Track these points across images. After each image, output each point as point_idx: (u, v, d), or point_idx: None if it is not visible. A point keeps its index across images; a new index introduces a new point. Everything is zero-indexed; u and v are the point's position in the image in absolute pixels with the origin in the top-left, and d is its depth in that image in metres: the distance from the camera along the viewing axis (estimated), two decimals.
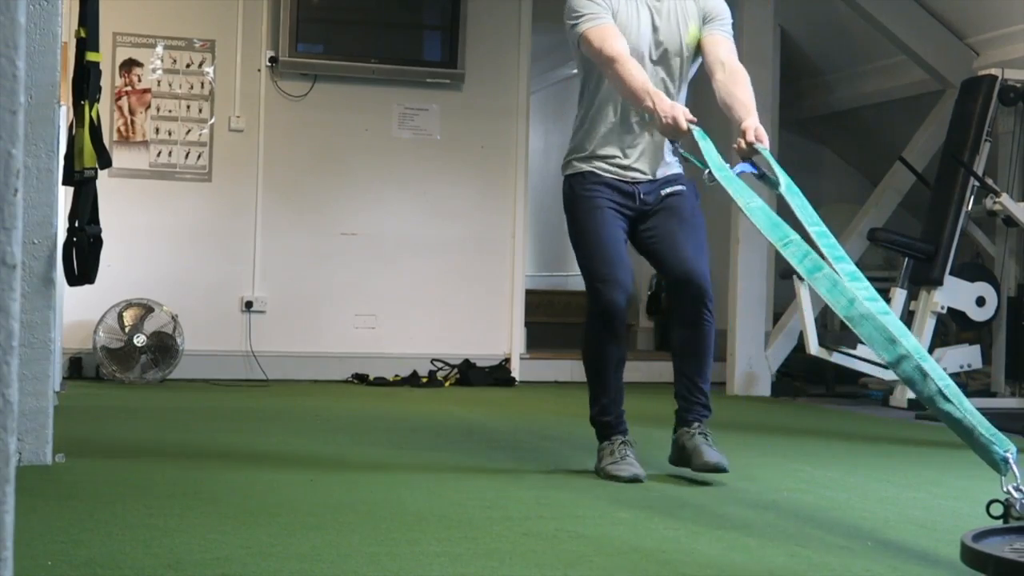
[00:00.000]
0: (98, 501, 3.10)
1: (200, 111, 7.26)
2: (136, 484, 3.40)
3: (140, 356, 6.74)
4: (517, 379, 7.49)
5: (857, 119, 8.69)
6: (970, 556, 1.95)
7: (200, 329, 7.04)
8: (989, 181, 6.53)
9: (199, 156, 7.26)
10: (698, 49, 3.74)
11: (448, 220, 7.60)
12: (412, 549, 2.62)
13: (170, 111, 7.21)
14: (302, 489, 3.40)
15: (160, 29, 7.22)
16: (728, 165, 3.32)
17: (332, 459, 4.03)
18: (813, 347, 6.51)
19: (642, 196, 3.76)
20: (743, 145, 3.47)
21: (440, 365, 7.38)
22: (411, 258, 7.56)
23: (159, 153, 7.20)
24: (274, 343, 7.29)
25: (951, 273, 6.55)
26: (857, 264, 8.69)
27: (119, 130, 7.14)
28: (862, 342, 6.74)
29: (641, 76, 3.54)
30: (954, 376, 6.86)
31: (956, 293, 6.57)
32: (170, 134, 7.22)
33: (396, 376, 7.29)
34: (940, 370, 2.69)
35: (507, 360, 7.57)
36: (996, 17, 6.93)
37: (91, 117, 3.88)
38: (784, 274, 6.82)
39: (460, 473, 3.77)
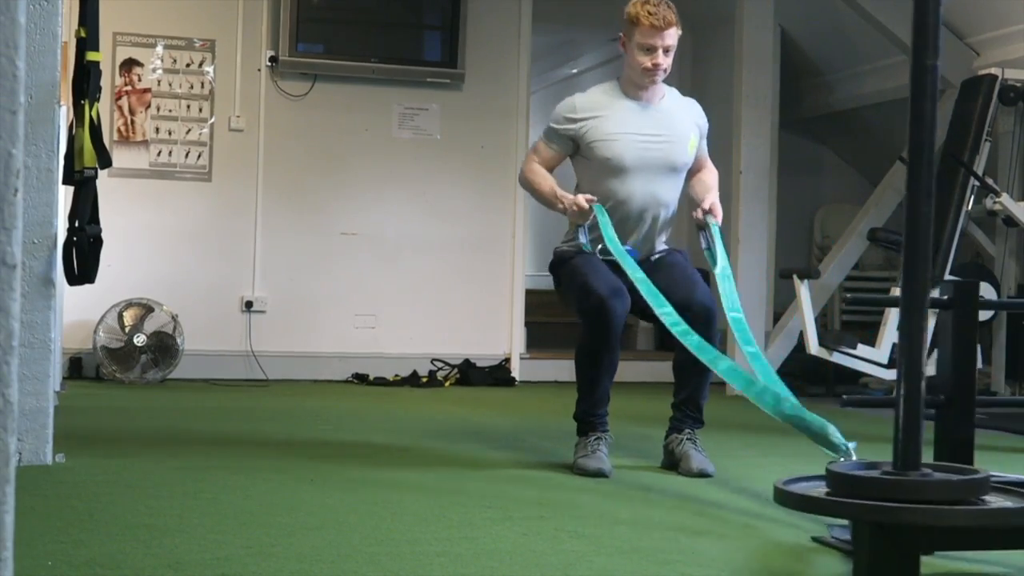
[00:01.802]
0: (98, 501, 3.10)
1: (200, 111, 7.26)
2: (136, 484, 3.41)
3: (140, 356, 6.74)
4: (517, 379, 7.49)
5: (857, 119, 8.69)
6: (776, 495, 2.30)
7: (200, 329, 7.04)
8: (989, 181, 6.52)
9: (199, 156, 7.26)
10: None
11: (448, 220, 7.60)
12: (412, 549, 2.62)
13: (170, 111, 7.21)
14: (302, 489, 3.40)
15: (160, 29, 7.22)
16: (620, 243, 3.81)
17: (332, 459, 4.03)
18: (813, 347, 6.51)
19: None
20: (698, 215, 3.93)
21: (440, 365, 7.38)
22: (411, 258, 7.55)
23: (159, 153, 7.20)
24: (274, 343, 7.29)
25: (951, 273, 6.54)
26: (857, 265, 8.58)
27: (119, 130, 7.14)
28: (862, 342, 6.71)
29: (548, 183, 4.00)
30: None
31: None
32: (170, 134, 7.22)
33: (396, 376, 7.28)
34: (788, 391, 3.32)
35: (507, 360, 7.57)
36: (996, 17, 6.93)
37: (91, 117, 3.88)
38: (784, 274, 6.82)
39: (460, 473, 3.78)
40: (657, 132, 3.97)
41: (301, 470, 3.74)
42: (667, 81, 4.08)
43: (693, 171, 4.12)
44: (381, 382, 7.19)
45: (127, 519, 2.87)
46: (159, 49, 7.20)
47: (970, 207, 6.61)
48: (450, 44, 7.52)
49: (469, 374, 7.29)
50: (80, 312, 6.75)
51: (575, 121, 3.99)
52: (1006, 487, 2.30)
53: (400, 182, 7.55)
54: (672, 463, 3.90)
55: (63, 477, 3.44)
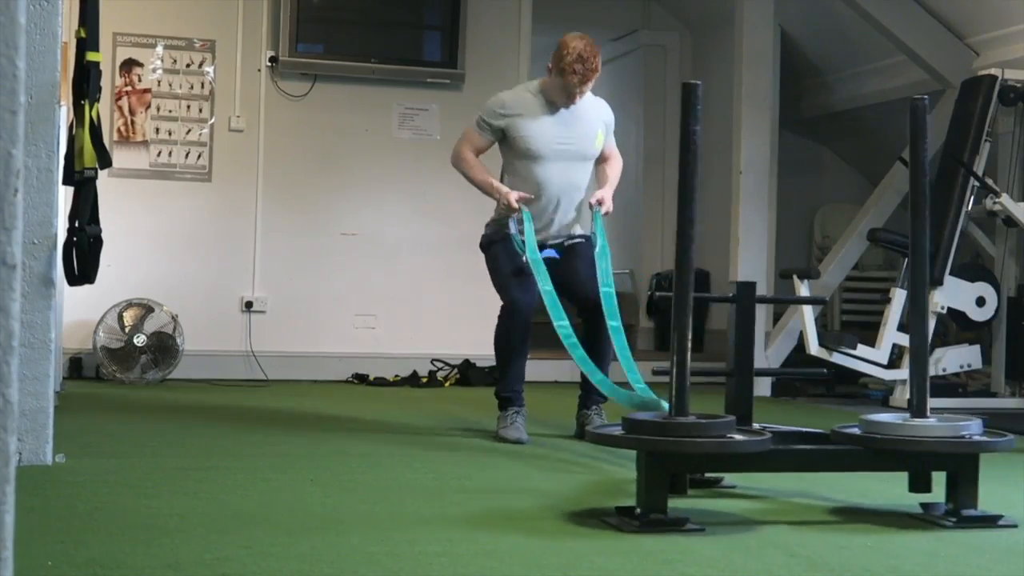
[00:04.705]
0: (98, 501, 3.10)
1: (200, 111, 7.26)
2: (136, 484, 3.41)
3: (140, 356, 6.74)
4: None
5: (857, 119, 8.69)
6: (587, 436, 3.06)
7: (200, 329, 7.04)
8: (989, 181, 6.52)
9: (199, 156, 7.26)
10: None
11: (448, 220, 7.59)
12: (412, 549, 2.62)
13: (170, 111, 7.21)
14: (302, 489, 3.40)
15: (160, 29, 7.22)
16: (538, 250, 4.53)
17: (332, 459, 4.03)
18: (813, 347, 6.51)
19: (548, 245, 4.74)
20: (591, 204, 4.67)
21: (440, 365, 7.38)
22: (411, 258, 7.55)
23: (159, 153, 7.20)
24: (274, 343, 7.29)
25: (951, 273, 6.54)
26: (857, 265, 8.58)
27: (119, 130, 7.14)
28: (862, 342, 6.69)
29: (483, 173, 4.74)
30: (954, 376, 6.87)
31: (956, 293, 6.57)
32: (170, 134, 7.22)
33: (396, 376, 7.28)
34: (634, 376, 4.10)
35: None
36: (996, 17, 6.92)
37: (91, 117, 3.88)
38: (784, 274, 6.82)
39: (460, 473, 3.78)
40: (568, 133, 4.70)
41: (301, 470, 3.74)
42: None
43: (602, 159, 4.84)
44: (381, 382, 7.18)
45: (127, 519, 2.87)
46: (159, 49, 7.21)
47: (970, 207, 6.60)
48: (450, 44, 7.52)
49: (469, 374, 7.28)
50: (80, 312, 6.75)
51: (503, 116, 4.71)
52: (750, 431, 3.15)
53: (400, 182, 7.55)
54: (581, 433, 4.69)
55: (63, 477, 3.44)
